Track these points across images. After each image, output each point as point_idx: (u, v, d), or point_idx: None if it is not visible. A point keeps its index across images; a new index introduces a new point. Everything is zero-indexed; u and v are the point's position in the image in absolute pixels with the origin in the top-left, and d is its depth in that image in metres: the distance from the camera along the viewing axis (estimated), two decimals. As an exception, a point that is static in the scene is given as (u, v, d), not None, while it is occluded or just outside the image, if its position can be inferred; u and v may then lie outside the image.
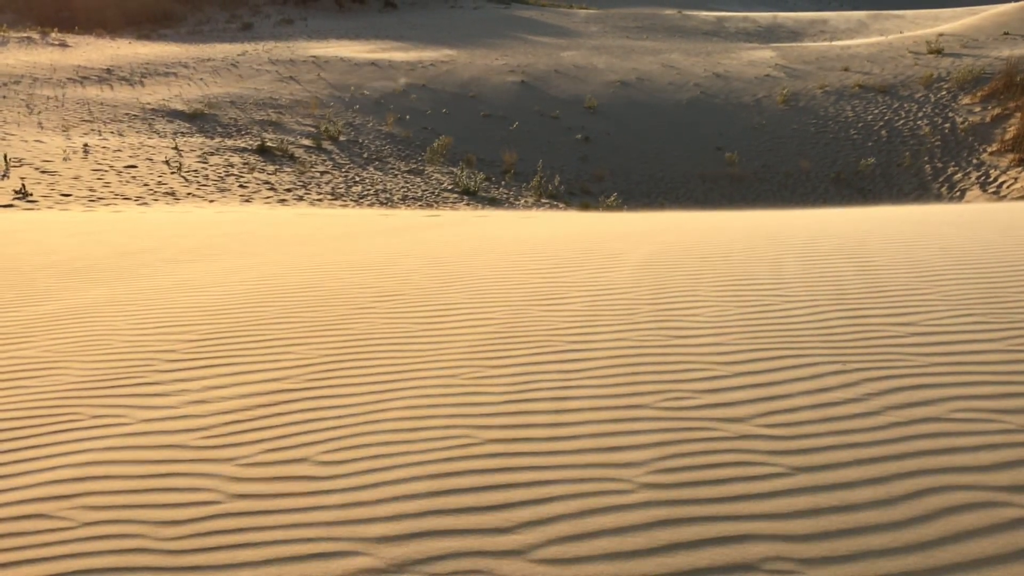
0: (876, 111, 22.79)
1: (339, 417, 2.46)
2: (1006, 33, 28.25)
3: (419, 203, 13.85)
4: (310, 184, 14.01)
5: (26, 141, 14.70)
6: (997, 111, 20.81)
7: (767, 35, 39.44)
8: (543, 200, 16.59)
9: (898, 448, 2.08)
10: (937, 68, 24.83)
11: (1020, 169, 17.89)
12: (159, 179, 12.88)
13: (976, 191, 17.75)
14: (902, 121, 21.85)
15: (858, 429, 2.20)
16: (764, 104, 24.32)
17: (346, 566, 1.73)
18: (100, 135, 16.11)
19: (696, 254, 4.67)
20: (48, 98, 19.36)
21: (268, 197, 12.50)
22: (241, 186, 13.14)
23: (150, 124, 17.72)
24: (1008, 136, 19.33)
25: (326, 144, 17.78)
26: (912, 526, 1.76)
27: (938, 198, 18.03)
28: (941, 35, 28.93)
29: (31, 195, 10.94)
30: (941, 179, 18.80)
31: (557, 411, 2.40)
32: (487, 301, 3.77)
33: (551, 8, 47.52)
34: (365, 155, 17.61)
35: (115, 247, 6.12)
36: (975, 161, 19.06)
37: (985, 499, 1.84)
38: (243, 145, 16.50)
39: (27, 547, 1.86)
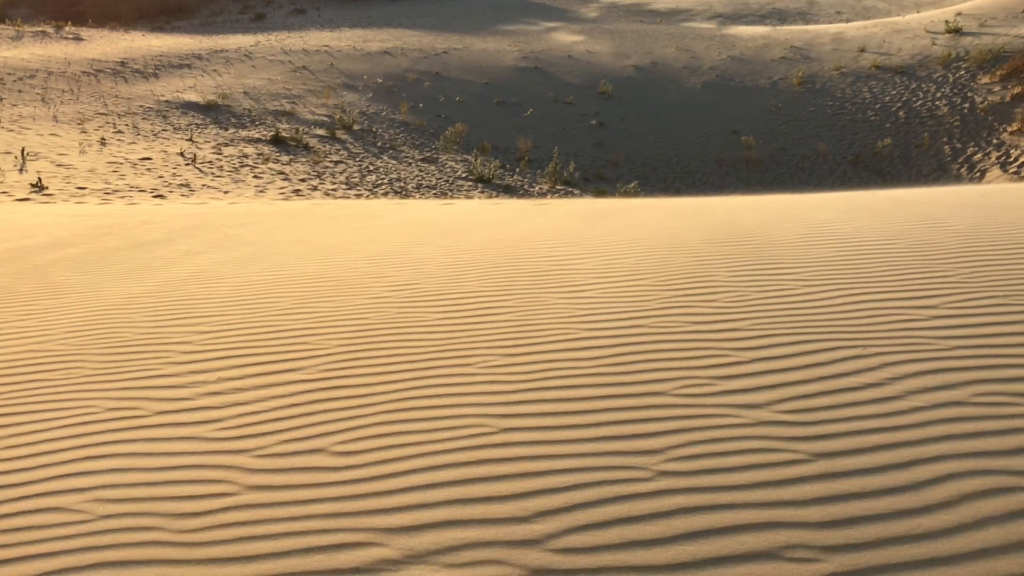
0: (894, 92, 22.53)
1: (354, 408, 2.45)
2: (1026, 11, 27.79)
3: (434, 191, 13.83)
4: (324, 174, 14.02)
5: (42, 135, 14.79)
6: (1017, 90, 20.50)
7: (782, 17, 39.03)
8: (558, 187, 16.52)
9: (919, 433, 2.05)
10: (955, 47, 24.49)
11: (1041, 148, 17.64)
12: (174, 171, 12.93)
13: (996, 171, 17.52)
14: (920, 102, 21.60)
15: (878, 414, 2.16)
16: (780, 87, 24.10)
17: (363, 557, 1.72)
18: (115, 128, 16.18)
19: (712, 239, 4.63)
20: (63, 91, 19.46)
21: (282, 187, 12.52)
22: (255, 177, 13.17)
23: (164, 116, 17.78)
24: (1029, 115, 19.04)
25: (340, 133, 17.78)
26: (934, 512, 1.73)
27: (958, 179, 17.81)
28: (959, 14, 28.52)
29: (47, 188, 11.01)
30: (960, 160, 18.58)
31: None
32: (501, 290, 3.75)
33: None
34: (379, 144, 17.60)
35: (130, 239, 6.14)
36: (995, 141, 18.82)
37: (1009, 484, 1.80)
38: (257, 136, 16.53)
39: (44, 540, 1.87)
